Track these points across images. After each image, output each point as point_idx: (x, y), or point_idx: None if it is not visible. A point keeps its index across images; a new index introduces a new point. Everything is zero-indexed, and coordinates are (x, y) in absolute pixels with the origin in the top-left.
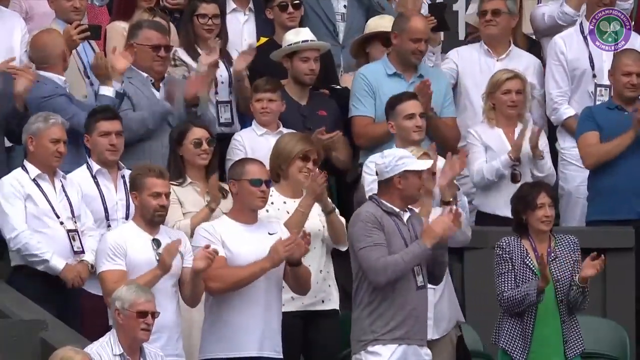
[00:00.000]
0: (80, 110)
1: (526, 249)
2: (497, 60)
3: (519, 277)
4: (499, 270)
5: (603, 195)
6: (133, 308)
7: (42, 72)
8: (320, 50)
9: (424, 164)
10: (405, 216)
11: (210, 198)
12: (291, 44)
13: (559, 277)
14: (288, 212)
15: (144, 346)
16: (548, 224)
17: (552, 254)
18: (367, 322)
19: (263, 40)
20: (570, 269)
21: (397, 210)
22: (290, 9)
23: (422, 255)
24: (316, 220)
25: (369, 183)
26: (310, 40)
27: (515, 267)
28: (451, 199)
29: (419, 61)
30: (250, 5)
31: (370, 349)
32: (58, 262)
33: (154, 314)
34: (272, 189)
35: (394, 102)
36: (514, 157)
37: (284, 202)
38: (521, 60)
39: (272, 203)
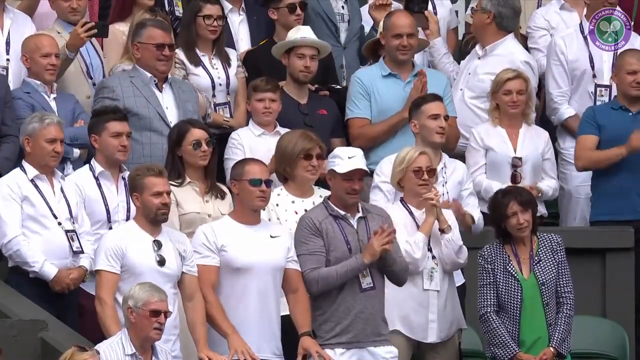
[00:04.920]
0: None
1: (508, 255)
2: (478, 59)
3: (501, 284)
4: (480, 282)
5: (608, 196)
6: (146, 307)
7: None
8: (320, 51)
9: (347, 167)
10: (354, 218)
11: None
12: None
13: (544, 280)
14: (297, 212)
15: (156, 344)
16: (524, 231)
17: (536, 257)
18: (315, 326)
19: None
20: (555, 270)
21: (342, 213)
22: (299, 10)
23: (358, 269)
24: None
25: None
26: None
27: (497, 275)
28: (446, 226)
29: (405, 57)
30: (243, 5)
31: None
32: (50, 270)
33: (167, 314)
34: (280, 188)
35: (419, 102)
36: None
37: (293, 202)
38: (494, 59)
39: (277, 205)
